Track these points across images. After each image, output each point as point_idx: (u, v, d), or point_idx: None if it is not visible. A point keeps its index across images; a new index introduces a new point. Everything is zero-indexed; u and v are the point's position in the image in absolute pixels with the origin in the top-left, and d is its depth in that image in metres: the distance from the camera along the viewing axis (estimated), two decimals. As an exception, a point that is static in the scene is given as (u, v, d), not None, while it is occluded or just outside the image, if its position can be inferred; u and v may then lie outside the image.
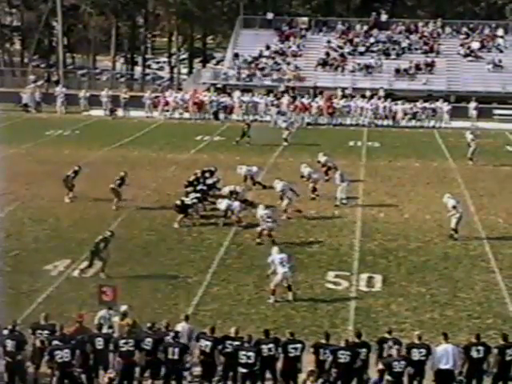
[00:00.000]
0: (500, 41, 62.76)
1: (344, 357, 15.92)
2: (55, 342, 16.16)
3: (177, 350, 16.11)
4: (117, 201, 29.25)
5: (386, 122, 51.08)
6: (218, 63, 64.99)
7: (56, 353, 15.87)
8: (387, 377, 15.78)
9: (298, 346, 16.34)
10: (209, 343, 16.45)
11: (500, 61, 59.71)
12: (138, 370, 16.55)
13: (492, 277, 23.40)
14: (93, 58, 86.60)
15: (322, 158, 33.79)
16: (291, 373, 16.29)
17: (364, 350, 16.32)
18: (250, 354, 15.97)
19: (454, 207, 26.77)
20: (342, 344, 16.22)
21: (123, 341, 16.27)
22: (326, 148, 40.93)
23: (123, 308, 17.49)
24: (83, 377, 16.34)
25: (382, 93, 54.74)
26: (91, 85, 66.79)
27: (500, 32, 63.67)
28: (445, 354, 16.02)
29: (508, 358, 16.11)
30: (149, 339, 16.43)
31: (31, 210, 29.06)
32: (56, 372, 15.93)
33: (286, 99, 52.31)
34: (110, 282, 20.00)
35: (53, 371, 16.04)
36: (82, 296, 21.02)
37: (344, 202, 30.26)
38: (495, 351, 16.12)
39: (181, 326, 17.08)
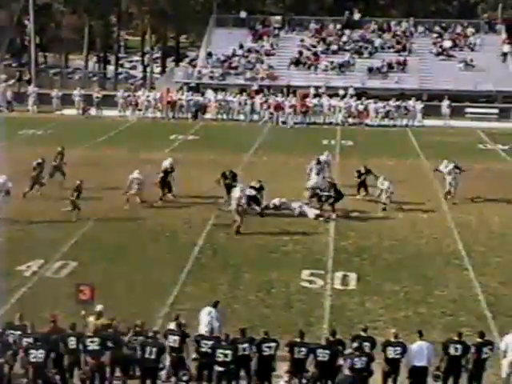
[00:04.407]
0: (472, 39, 63.21)
1: (323, 355, 15.97)
2: (27, 340, 16.08)
3: (154, 349, 16.08)
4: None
5: (357, 121, 51.34)
6: (191, 62, 64.95)
7: (30, 352, 15.78)
8: (347, 371, 15.84)
9: (272, 344, 16.33)
10: (177, 338, 16.45)
11: (472, 60, 60.11)
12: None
13: (465, 274, 23.56)
14: (65, 56, 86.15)
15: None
16: (265, 372, 16.30)
17: (339, 347, 16.37)
18: (227, 352, 15.98)
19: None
20: (323, 342, 16.28)
21: (89, 339, 16.19)
22: (301, 147, 41.10)
23: (99, 308, 17.40)
24: (57, 378, 16.28)
25: (351, 91, 54.96)
26: (63, 84, 66.52)
27: (471, 31, 64.16)
28: (419, 352, 16.09)
29: (483, 356, 16.20)
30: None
31: (4, 210, 28.81)
32: (29, 372, 15.84)
33: (259, 98, 52.42)
34: (85, 281, 19.87)
35: (27, 371, 15.95)
36: (56, 296, 20.91)
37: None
38: (472, 349, 16.20)
39: (172, 325, 17.06)
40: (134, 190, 29.38)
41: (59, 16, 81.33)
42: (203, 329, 17.27)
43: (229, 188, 29.41)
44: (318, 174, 31.26)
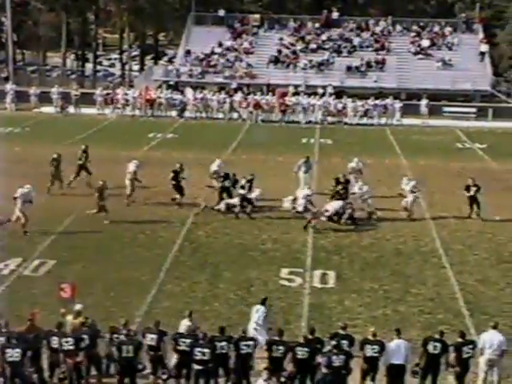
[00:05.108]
0: (449, 39, 63.51)
1: (302, 353, 16.01)
2: (0, 339, 16.00)
3: (131, 347, 16.05)
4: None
5: (336, 119, 51.42)
6: (169, 60, 64.89)
7: (7, 351, 15.68)
8: (324, 369, 15.88)
9: (250, 343, 16.36)
10: (154, 336, 16.43)
11: (450, 59, 60.40)
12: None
13: (443, 272, 23.68)
14: (43, 54, 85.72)
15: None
16: (243, 370, 16.31)
17: (317, 346, 16.41)
18: (205, 350, 15.97)
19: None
20: (301, 340, 16.32)
21: (64, 339, 16.14)
22: (280, 145, 41.14)
23: (77, 307, 17.33)
24: (34, 377, 16.20)
25: (330, 89, 55.07)
26: (41, 81, 66.10)
27: (449, 30, 64.48)
28: (397, 350, 16.15)
29: (465, 356, 16.25)
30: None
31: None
32: (6, 371, 15.75)
33: (238, 97, 52.40)
34: (64, 279, 19.80)
35: (3, 370, 15.85)
36: (34, 295, 20.85)
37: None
38: (451, 349, 16.26)
39: (183, 323, 17.09)
40: (127, 181, 29.69)
41: (37, 13, 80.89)
42: (252, 326, 17.59)
43: (225, 191, 29.34)
44: (306, 172, 31.31)
